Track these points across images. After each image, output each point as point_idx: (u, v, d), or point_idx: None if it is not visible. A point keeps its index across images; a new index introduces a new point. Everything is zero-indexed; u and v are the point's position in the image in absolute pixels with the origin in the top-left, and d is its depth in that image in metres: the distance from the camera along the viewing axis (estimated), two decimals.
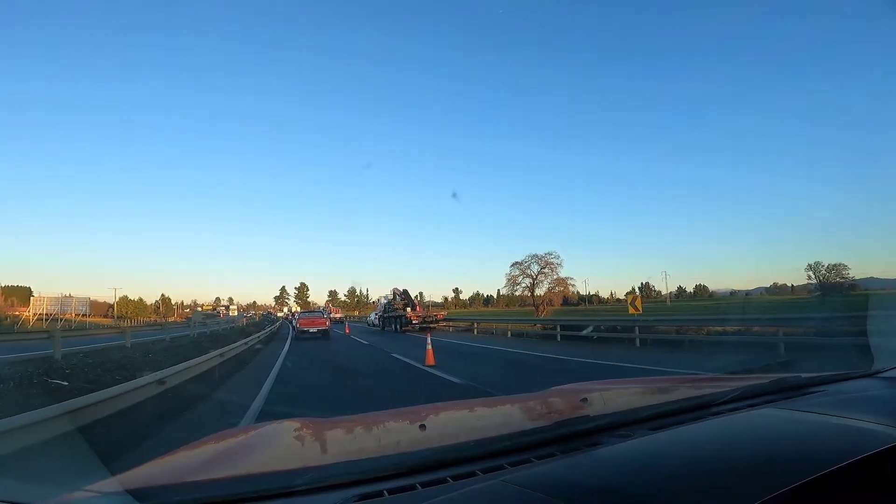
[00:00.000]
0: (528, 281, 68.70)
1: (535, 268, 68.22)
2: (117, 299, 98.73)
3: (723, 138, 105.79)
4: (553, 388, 2.12)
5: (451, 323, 26.02)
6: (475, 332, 22.53)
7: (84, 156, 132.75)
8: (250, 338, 15.47)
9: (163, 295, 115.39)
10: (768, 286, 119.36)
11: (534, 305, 50.57)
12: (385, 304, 28.88)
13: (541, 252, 67.75)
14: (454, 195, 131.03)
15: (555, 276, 68.08)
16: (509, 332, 19.64)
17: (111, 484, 0.88)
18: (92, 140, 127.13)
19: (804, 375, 1.55)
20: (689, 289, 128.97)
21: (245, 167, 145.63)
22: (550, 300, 62.43)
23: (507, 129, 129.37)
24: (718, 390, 1.40)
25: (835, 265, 71.48)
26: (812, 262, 72.88)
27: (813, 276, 73.94)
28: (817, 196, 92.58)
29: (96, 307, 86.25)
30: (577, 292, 70.63)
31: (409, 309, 26.65)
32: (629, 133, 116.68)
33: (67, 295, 69.75)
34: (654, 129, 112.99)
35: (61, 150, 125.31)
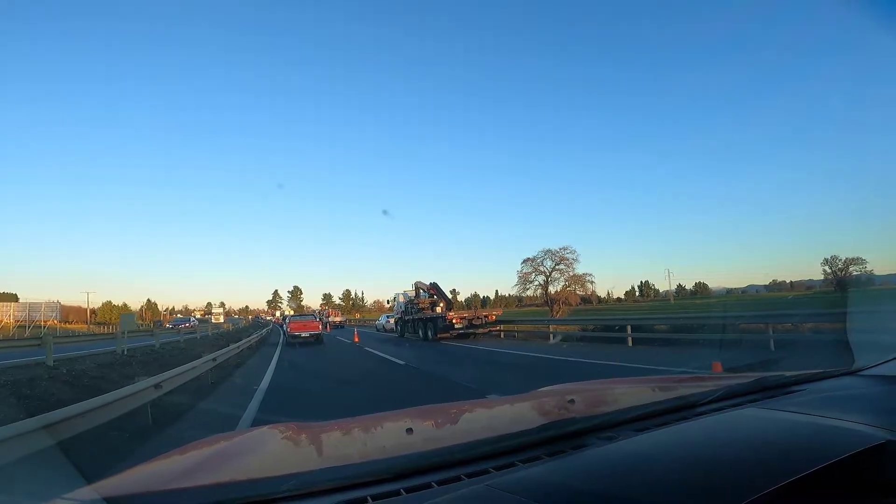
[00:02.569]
0: (541, 278, 61.91)
1: (549, 264, 61.45)
2: (94, 305, 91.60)
3: (720, 135, 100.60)
4: (541, 388, 2.01)
5: (502, 326, 18.20)
6: (551, 339, 15.08)
7: (71, 158, 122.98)
8: (203, 359, 8.01)
9: (148, 300, 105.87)
10: (767, 283, 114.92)
11: (548, 305, 43.37)
12: (405, 304, 21.26)
13: (554, 247, 60.97)
14: (385, 212, 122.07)
15: (571, 273, 61.37)
16: (630, 339, 12.04)
17: (87, 493, 0.82)
18: (79, 142, 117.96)
19: (786, 374, 1.49)
20: (687, 287, 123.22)
21: (237, 170, 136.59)
22: (567, 299, 55.54)
23: (505, 127, 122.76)
24: (702, 390, 1.35)
25: (853, 258, 66.84)
26: (829, 256, 68.66)
27: (829, 271, 69.58)
28: (816, 192, 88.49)
29: (79, 313, 79.06)
30: (595, 291, 64.01)
31: (439, 308, 19.11)
32: (625, 130, 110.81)
33: (55, 301, 63.43)
34: (653, 126, 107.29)
35: (47, 151, 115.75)
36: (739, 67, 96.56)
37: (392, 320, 28.02)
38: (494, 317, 18.20)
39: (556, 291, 61.18)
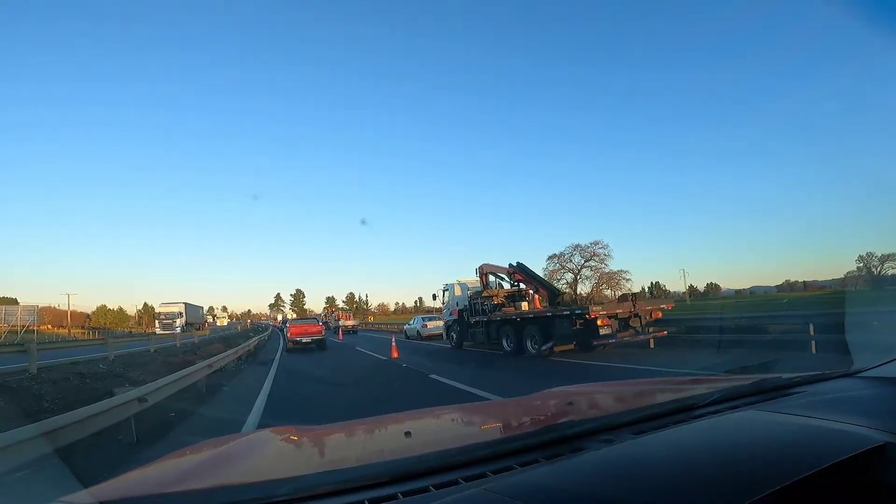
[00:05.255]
0: (569, 276, 53.81)
1: (578, 260, 53.56)
2: (89, 309, 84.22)
3: (730, 136, 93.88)
4: (541, 391, 1.89)
5: (654, 331, 10.02)
6: (813, 349, 7.21)
7: (67, 160, 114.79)
8: None
9: (145, 304, 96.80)
10: (779, 283, 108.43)
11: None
12: (469, 299, 13.37)
13: (584, 242, 53.03)
14: (363, 222, 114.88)
15: (604, 270, 53.45)
16: None
17: (83, 496, 0.79)
18: (80, 142, 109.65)
19: (784, 376, 1.40)
20: (699, 288, 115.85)
21: (238, 173, 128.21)
22: (599, 299, 47.66)
23: (512, 126, 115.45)
24: (700, 392, 1.30)
25: (888, 255, 61.46)
26: (864, 253, 63.85)
27: (864, 268, 64.72)
28: (826, 192, 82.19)
29: (75, 317, 72.09)
30: (631, 289, 56.14)
31: (525, 304, 11.59)
32: (633, 130, 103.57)
33: (49, 305, 61.43)
34: (661, 126, 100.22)
35: (47, 152, 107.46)
36: (748, 68, 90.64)
37: (430, 325, 20.19)
38: (660, 314, 10.21)
39: (587, 291, 52.61)
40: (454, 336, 14.30)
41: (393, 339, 12.77)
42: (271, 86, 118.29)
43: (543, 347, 9.58)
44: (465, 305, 13.71)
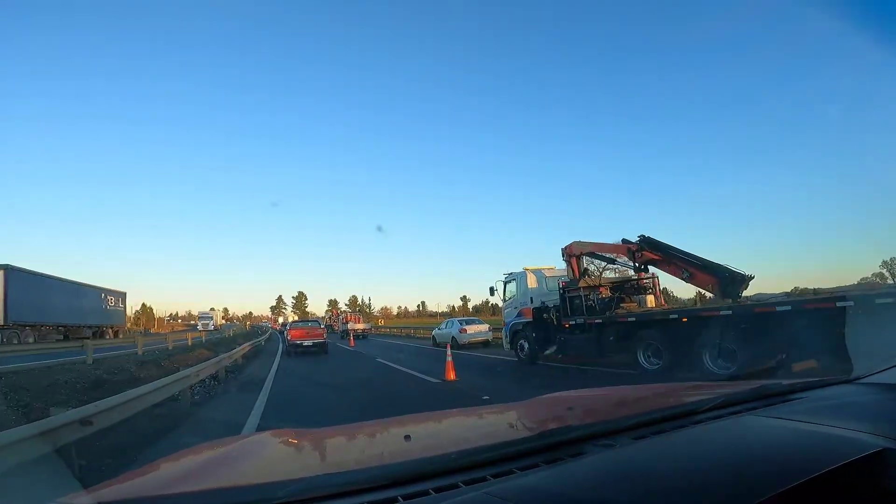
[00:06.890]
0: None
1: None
2: None
3: (735, 136, 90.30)
4: (540, 396, 1.86)
5: None
6: None
7: (69, 156, 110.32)
8: None
9: (143, 304, 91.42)
10: (788, 290, 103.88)
11: None
12: (562, 290, 8.93)
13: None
14: (379, 228, 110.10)
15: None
16: None
17: (83, 497, 0.78)
18: (80, 140, 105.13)
19: (785, 382, 1.39)
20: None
21: (241, 173, 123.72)
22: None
23: (510, 124, 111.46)
24: (701, 398, 1.28)
25: None
26: (888, 259, 60.64)
27: (887, 274, 61.62)
28: (841, 199, 78.50)
29: None
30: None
31: (651, 299, 8.19)
32: (636, 131, 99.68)
33: None
34: (666, 127, 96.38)
35: (48, 150, 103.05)
36: (755, 68, 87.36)
37: (470, 329, 15.75)
38: None
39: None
40: (525, 345, 9.86)
41: (448, 353, 8.25)
42: (272, 85, 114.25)
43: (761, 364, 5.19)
44: (545, 302, 9.42)
